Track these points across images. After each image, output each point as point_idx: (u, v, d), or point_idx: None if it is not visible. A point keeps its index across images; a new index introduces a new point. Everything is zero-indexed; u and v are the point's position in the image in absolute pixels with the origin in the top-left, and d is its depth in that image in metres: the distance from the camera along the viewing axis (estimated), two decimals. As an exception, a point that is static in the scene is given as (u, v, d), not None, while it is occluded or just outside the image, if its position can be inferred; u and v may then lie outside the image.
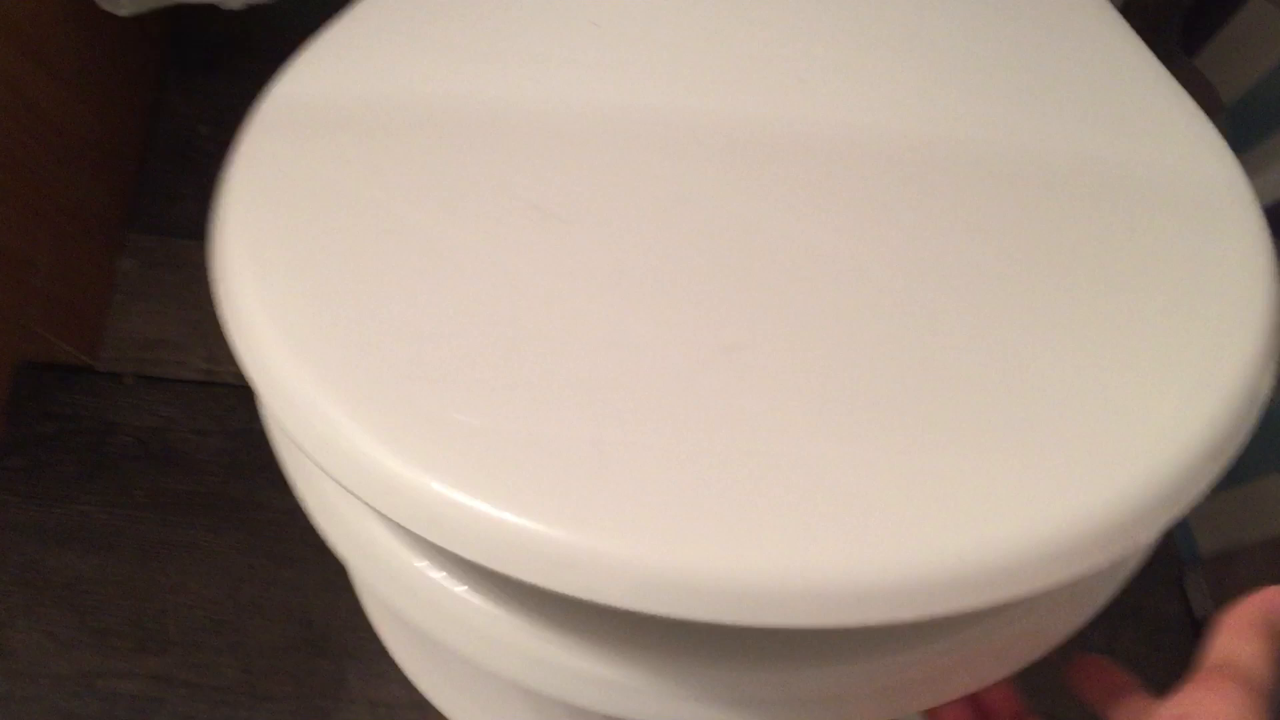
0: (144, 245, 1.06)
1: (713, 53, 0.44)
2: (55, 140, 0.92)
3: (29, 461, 1.01)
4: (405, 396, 0.32)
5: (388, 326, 0.34)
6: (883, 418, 0.32)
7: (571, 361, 0.33)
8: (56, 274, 0.95)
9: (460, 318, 0.34)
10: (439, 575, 0.38)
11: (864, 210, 0.38)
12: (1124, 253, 0.38)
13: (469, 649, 0.38)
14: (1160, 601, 0.94)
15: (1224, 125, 0.79)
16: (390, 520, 0.31)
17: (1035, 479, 0.30)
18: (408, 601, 0.39)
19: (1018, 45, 0.47)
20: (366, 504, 0.31)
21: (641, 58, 0.44)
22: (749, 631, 0.32)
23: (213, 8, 0.89)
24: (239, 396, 1.02)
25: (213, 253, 0.39)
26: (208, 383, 1.02)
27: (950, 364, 0.34)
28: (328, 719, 0.95)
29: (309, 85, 0.46)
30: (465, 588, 0.38)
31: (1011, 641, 0.38)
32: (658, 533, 0.28)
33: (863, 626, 0.28)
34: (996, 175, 0.40)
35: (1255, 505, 0.82)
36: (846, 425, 0.31)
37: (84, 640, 0.97)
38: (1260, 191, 0.74)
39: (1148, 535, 0.30)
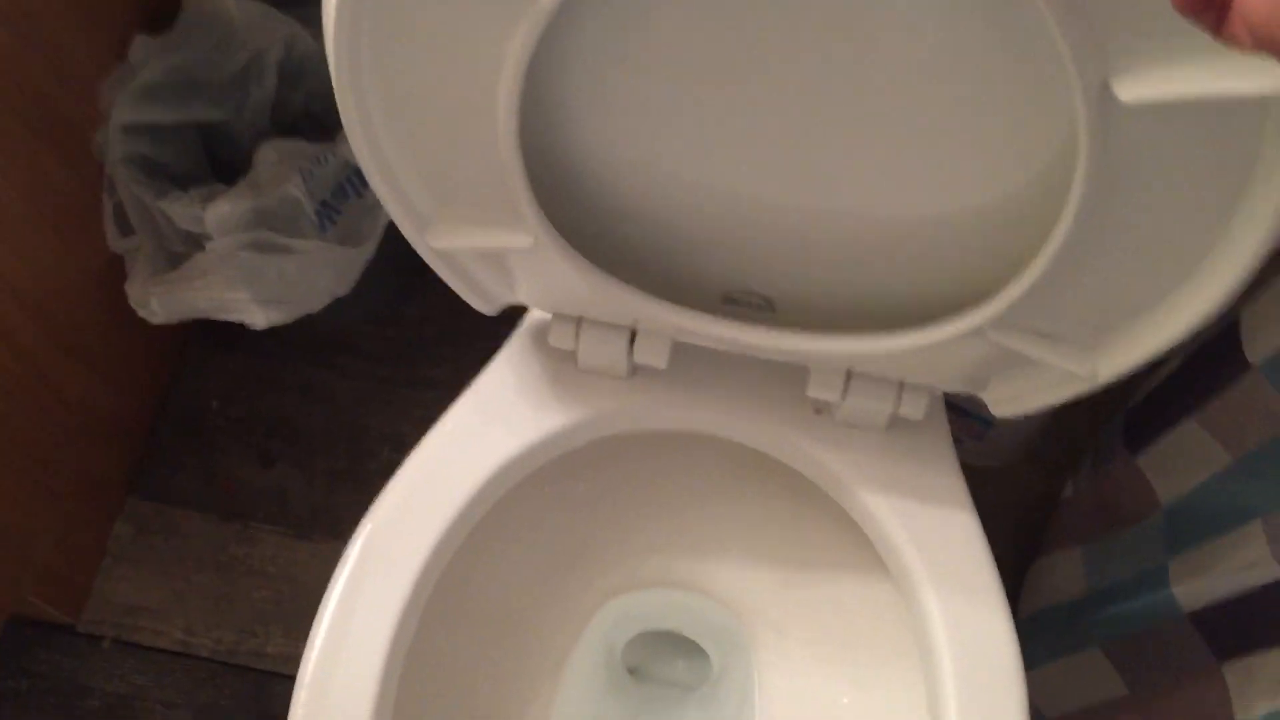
0: (141, 512, 1.10)
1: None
2: (73, 420, 0.98)
3: (-5, 717, 1.04)
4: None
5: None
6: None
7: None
8: (53, 542, 1.00)
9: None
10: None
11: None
12: None
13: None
14: None
15: (1159, 522, 0.84)
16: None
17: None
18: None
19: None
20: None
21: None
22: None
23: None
24: (209, 670, 1.05)
25: None
26: (182, 654, 1.05)
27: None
28: None
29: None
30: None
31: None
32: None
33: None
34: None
35: None
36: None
37: None
38: (1192, 594, 0.79)
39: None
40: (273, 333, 1.12)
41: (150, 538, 1.10)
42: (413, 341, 1.18)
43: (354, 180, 0.93)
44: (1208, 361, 0.78)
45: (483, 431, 0.66)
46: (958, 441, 1.03)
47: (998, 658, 0.61)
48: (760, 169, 0.53)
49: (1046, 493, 1.06)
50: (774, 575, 0.77)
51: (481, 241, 0.58)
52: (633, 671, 0.88)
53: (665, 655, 0.89)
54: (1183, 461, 0.82)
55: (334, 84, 0.49)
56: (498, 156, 0.51)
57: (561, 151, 0.55)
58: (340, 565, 0.63)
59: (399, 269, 1.09)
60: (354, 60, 0.48)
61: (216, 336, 1.17)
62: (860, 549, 0.71)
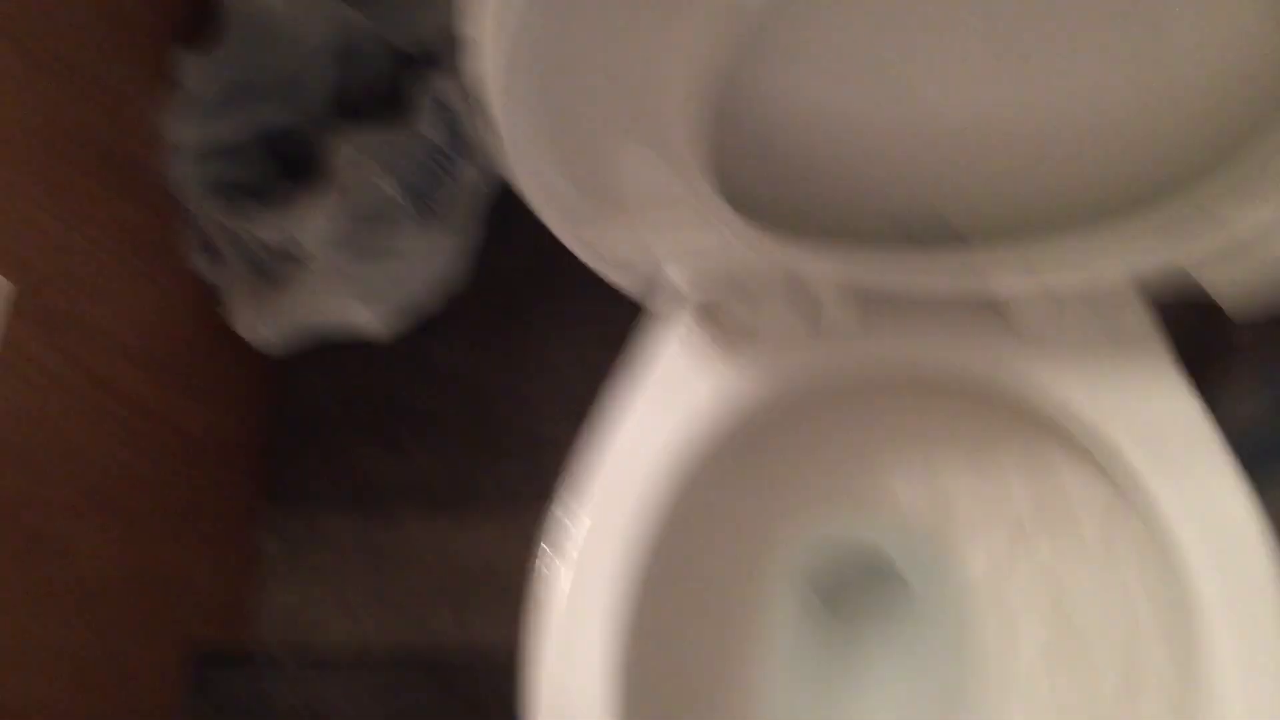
0: (284, 523, 1.08)
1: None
2: (207, 454, 0.96)
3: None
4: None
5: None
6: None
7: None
8: (210, 574, 0.99)
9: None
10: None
11: None
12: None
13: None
14: None
15: None
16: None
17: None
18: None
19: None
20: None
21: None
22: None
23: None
24: (393, 674, 1.04)
25: None
26: (361, 662, 1.05)
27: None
28: None
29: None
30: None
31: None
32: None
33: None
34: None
35: None
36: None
37: None
38: None
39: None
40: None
41: (297, 546, 1.08)
42: (509, 289, 1.12)
43: (438, 159, 0.87)
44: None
45: (665, 420, 0.63)
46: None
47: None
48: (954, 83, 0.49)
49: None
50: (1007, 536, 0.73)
51: (665, 243, 0.54)
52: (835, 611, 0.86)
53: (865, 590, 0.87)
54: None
55: (495, 113, 0.44)
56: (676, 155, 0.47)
57: (743, 126, 0.50)
58: (552, 578, 0.60)
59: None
60: (511, 89, 0.43)
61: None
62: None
